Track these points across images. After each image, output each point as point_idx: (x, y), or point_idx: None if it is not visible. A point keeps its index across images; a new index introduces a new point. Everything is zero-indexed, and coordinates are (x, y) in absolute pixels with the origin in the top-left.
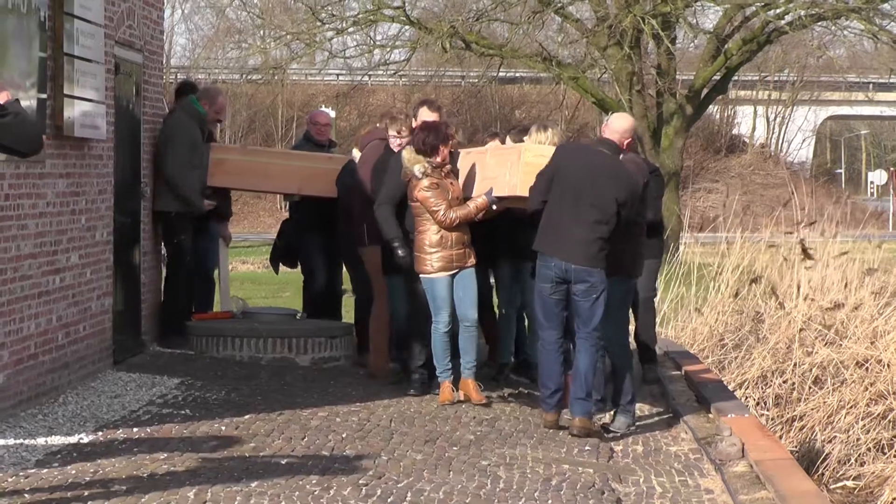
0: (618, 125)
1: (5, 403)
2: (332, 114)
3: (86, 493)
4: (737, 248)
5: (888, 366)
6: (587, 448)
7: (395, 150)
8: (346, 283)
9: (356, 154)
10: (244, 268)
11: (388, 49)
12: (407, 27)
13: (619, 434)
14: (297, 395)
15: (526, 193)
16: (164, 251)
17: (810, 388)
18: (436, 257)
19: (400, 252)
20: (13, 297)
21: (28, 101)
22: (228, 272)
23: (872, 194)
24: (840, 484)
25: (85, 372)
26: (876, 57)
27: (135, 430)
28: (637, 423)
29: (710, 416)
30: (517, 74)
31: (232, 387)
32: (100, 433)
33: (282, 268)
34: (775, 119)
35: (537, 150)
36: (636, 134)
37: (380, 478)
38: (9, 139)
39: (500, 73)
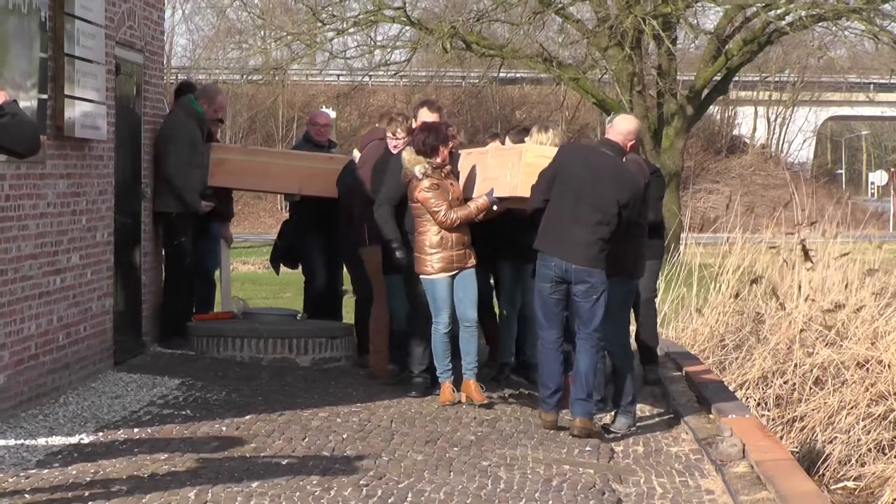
0: (622, 127)
1: (6, 404)
2: (333, 114)
3: (86, 494)
4: (737, 249)
5: (889, 366)
6: (588, 449)
7: (392, 151)
8: (347, 284)
9: (356, 155)
10: (245, 268)
11: (389, 50)
12: (407, 28)
13: (619, 435)
14: (298, 396)
15: (527, 194)
16: (162, 252)
17: (811, 388)
18: (436, 258)
19: (398, 254)
20: (14, 297)
21: (29, 102)
22: (230, 273)
23: (873, 195)
24: (841, 484)
25: (86, 372)
26: (877, 57)
27: (135, 430)
28: (638, 424)
29: (711, 416)
30: (518, 75)
31: (232, 387)
32: (100, 434)
33: (282, 268)
34: (776, 120)
35: (538, 151)
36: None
37: (380, 478)
38: (6, 140)
39: (501, 74)
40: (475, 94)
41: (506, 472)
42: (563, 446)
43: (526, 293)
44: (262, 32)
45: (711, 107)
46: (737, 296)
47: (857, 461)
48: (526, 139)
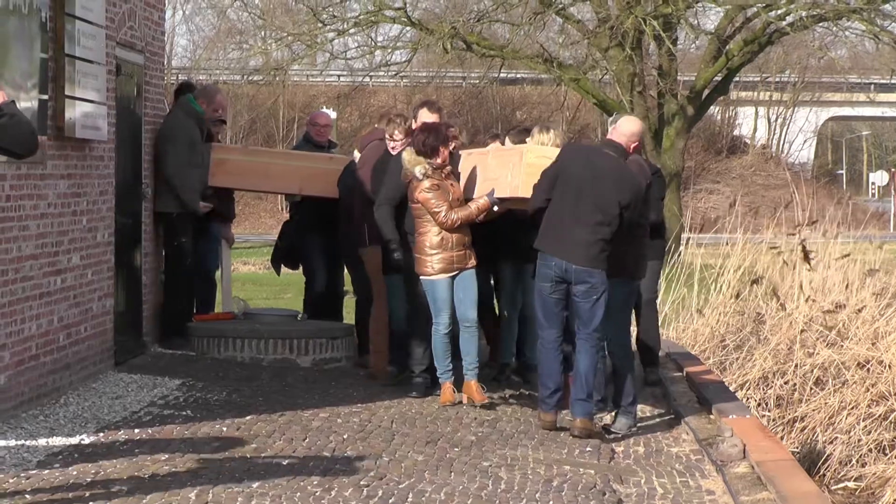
0: (626, 128)
1: (6, 404)
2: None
3: (87, 494)
4: (738, 250)
5: (889, 367)
6: (588, 449)
7: (391, 152)
8: (348, 284)
9: (357, 155)
10: (245, 269)
11: (390, 50)
12: (408, 28)
13: (620, 435)
14: (299, 396)
15: (528, 195)
16: (162, 252)
17: (811, 389)
18: (436, 259)
19: (395, 255)
20: (14, 298)
21: (29, 103)
22: (231, 273)
23: (873, 195)
24: (841, 485)
25: (86, 373)
26: (877, 57)
27: (136, 431)
28: (638, 424)
29: (712, 417)
30: (518, 75)
31: (233, 388)
32: (101, 434)
33: (283, 269)
34: (776, 120)
35: (539, 152)
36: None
37: (381, 479)
38: (5, 141)
39: (502, 75)
40: (476, 94)
41: (506, 472)
42: (563, 447)
43: (527, 294)
44: (263, 33)
45: (712, 107)
46: (737, 296)
47: (857, 461)
48: (527, 140)
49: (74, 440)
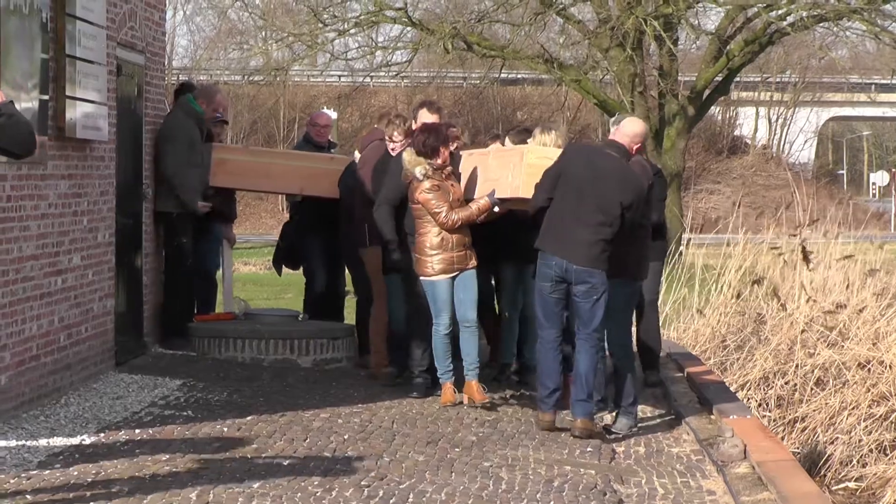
0: (629, 129)
1: (7, 405)
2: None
3: (88, 495)
4: (739, 250)
5: (890, 367)
6: (589, 449)
7: (391, 153)
8: (350, 285)
9: (357, 156)
10: (246, 269)
11: (390, 50)
12: (409, 28)
13: (620, 435)
14: (299, 397)
15: (528, 195)
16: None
17: (812, 389)
18: (436, 260)
19: (394, 255)
20: (15, 298)
21: (30, 103)
22: (232, 274)
23: (874, 195)
24: (842, 485)
25: (87, 373)
26: (878, 57)
27: (137, 431)
28: (639, 425)
29: (712, 417)
30: (519, 76)
31: (234, 388)
32: (102, 434)
33: (284, 269)
34: (777, 120)
35: (540, 152)
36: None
37: (382, 479)
38: (3, 141)
39: (502, 75)
40: (476, 94)
41: (507, 472)
42: (564, 447)
43: (527, 294)
44: (264, 33)
45: (713, 107)
46: (738, 296)
47: (858, 462)
48: (529, 140)
49: (75, 440)
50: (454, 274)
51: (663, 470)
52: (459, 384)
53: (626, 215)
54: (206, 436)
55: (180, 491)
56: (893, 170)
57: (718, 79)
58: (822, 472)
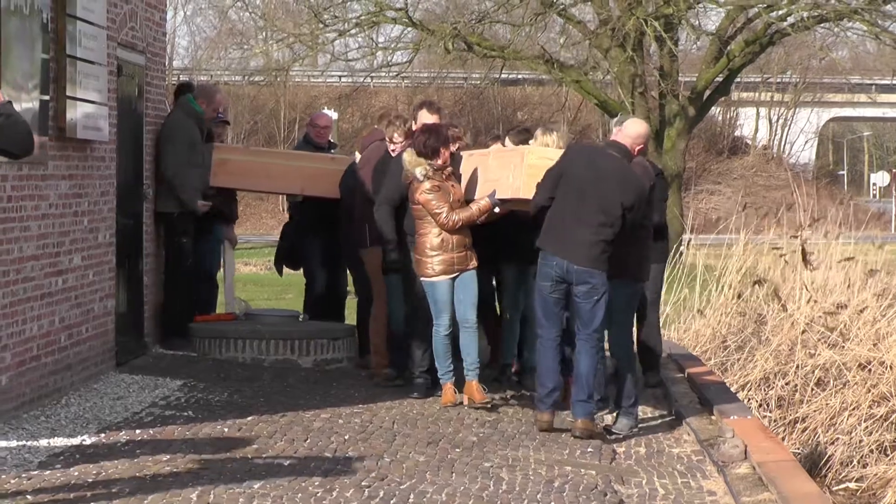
0: (632, 130)
1: (8, 405)
2: (335, 115)
3: (88, 495)
4: (740, 250)
5: (891, 368)
6: (589, 450)
7: (391, 154)
8: (351, 285)
9: (358, 156)
10: (247, 269)
11: (391, 51)
12: (409, 29)
13: (621, 436)
14: (300, 397)
15: (529, 196)
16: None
17: (813, 389)
18: (437, 261)
19: (392, 255)
20: (16, 298)
21: (30, 103)
22: (234, 274)
23: (875, 196)
24: (843, 486)
25: (87, 374)
26: (879, 58)
27: (137, 431)
28: (640, 425)
29: (713, 417)
30: (519, 76)
31: (234, 388)
32: (102, 435)
33: (285, 270)
34: (778, 121)
35: (541, 153)
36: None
37: (382, 479)
38: (1, 141)
39: (503, 75)
40: (477, 95)
41: (508, 473)
42: (564, 447)
43: (528, 295)
44: (264, 34)
45: (713, 108)
46: (739, 297)
47: (858, 462)
48: (530, 141)
49: (76, 441)
50: (454, 275)
51: (664, 470)
52: (460, 385)
53: (628, 216)
54: (207, 436)
55: (181, 491)
56: (894, 170)
57: (719, 79)
58: (822, 473)
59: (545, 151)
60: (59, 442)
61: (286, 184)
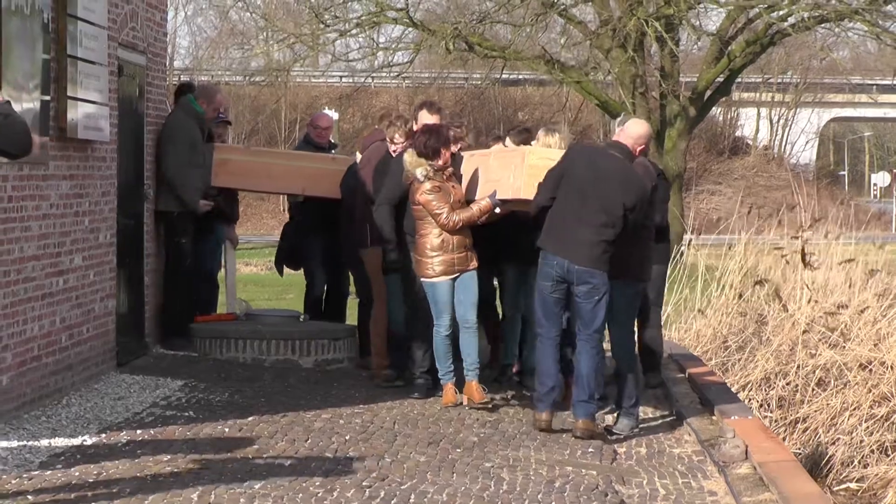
0: (634, 131)
1: (9, 405)
2: (335, 116)
3: (89, 495)
4: (741, 251)
5: (891, 368)
6: (590, 450)
7: (392, 154)
8: (353, 285)
9: (359, 157)
10: (247, 270)
11: (392, 51)
12: (410, 29)
13: (622, 436)
14: (301, 397)
15: (530, 196)
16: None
17: (814, 390)
18: (437, 261)
19: (392, 254)
20: (17, 298)
21: (31, 103)
22: (235, 275)
23: (875, 196)
24: (843, 486)
25: (88, 374)
26: (880, 58)
27: (138, 431)
28: (640, 426)
29: (714, 418)
30: (520, 76)
31: (235, 389)
32: (103, 435)
33: (286, 270)
34: (779, 121)
35: (542, 153)
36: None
37: (383, 479)
38: (0, 141)
39: (504, 75)
40: (478, 95)
41: (508, 473)
42: (565, 448)
43: (529, 296)
44: (265, 34)
45: (714, 108)
46: (740, 297)
47: (859, 462)
48: (533, 142)
49: (77, 441)
50: (455, 275)
51: (665, 471)
52: (461, 385)
53: (629, 216)
54: (208, 436)
55: (182, 491)
56: (895, 171)
57: (720, 80)
58: (823, 473)
59: (546, 152)
60: (60, 442)
61: (287, 184)
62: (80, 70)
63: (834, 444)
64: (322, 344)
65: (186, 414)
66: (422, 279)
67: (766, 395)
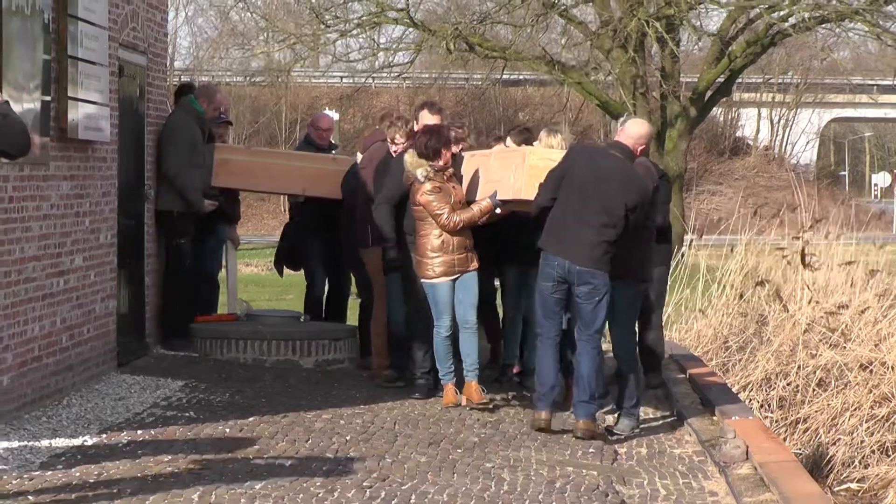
0: (634, 131)
1: (9, 406)
2: (336, 116)
3: (90, 496)
4: (742, 251)
5: (892, 368)
6: (591, 450)
7: (393, 155)
8: (354, 286)
9: (359, 157)
10: (248, 270)
11: (392, 51)
12: (411, 29)
13: (623, 436)
14: (301, 398)
15: (530, 197)
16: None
17: (814, 390)
18: (437, 262)
19: (391, 253)
20: (17, 299)
21: (32, 104)
22: (236, 275)
23: (876, 196)
24: (844, 486)
25: (89, 374)
26: (880, 58)
27: (139, 432)
28: (641, 426)
29: (715, 418)
30: (521, 77)
31: (236, 389)
32: (104, 435)
33: (286, 270)
34: (779, 121)
35: (543, 154)
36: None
37: (384, 480)
38: None
39: (504, 76)
40: (478, 95)
41: (509, 473)
42: (566, 448)
43: (530, 296)
44: (266, 34)
45: (715, 109)
46: (741, 297)
47: (860, 463)
48: (535, 143)
49: (77, 441)
50: (455, 276)
51: (665, 471)
52: (462, 386)
53: (630, 217)
54: (208, 437)
55: (182, 491)
56: (895, 171)
57: (720, 80)
58: (824, 474)
59: (547, 152)
60: (61, 442)
61: (288, 184)
62: (80, 70)
63: (834, 444)
64: (323, 344)
65: (187, 414)
66: (422, 280)
67: (767, 395)
